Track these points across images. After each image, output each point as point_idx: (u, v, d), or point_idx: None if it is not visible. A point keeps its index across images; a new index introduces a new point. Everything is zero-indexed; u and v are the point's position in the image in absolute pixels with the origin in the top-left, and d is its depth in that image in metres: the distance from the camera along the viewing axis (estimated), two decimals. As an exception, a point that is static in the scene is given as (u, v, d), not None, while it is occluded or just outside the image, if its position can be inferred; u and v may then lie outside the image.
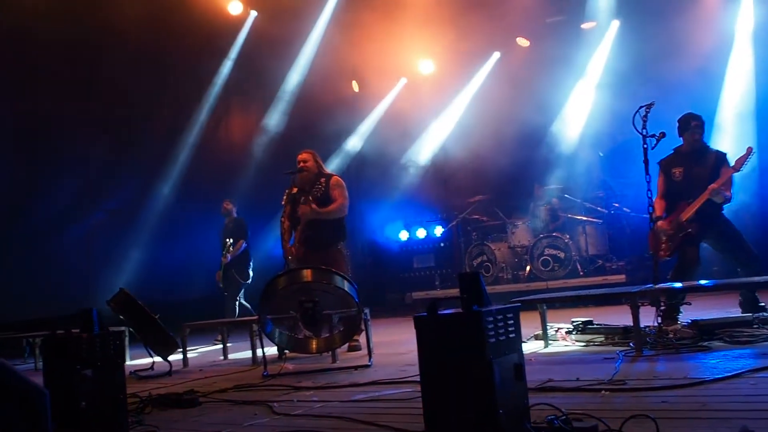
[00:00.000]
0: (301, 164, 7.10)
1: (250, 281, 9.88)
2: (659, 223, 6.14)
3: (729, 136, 10.58)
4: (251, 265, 9.98)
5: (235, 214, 10.18)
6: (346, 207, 7.05)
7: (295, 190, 7.05)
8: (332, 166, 13.61)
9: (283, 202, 7.05)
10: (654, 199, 6.19)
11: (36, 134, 10.80)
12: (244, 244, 9.87)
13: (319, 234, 6.89)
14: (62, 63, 10.32)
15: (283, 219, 7.02)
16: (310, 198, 6.88)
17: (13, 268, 10.22)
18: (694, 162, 6.24)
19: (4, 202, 10.64)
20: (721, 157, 6.24)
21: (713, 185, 5.99)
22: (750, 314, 5.44)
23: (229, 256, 9.73)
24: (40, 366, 7.59)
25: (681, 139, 6.33)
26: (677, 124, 6.30)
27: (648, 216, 5.79)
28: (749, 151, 6.07)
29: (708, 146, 6.40)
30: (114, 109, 11.07)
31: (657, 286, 5.27)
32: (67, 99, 10.68)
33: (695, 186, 6.14)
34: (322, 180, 7.08)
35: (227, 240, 9.83)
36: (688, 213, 6.11)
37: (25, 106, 10.52)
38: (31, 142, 10.79)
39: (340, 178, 7.19)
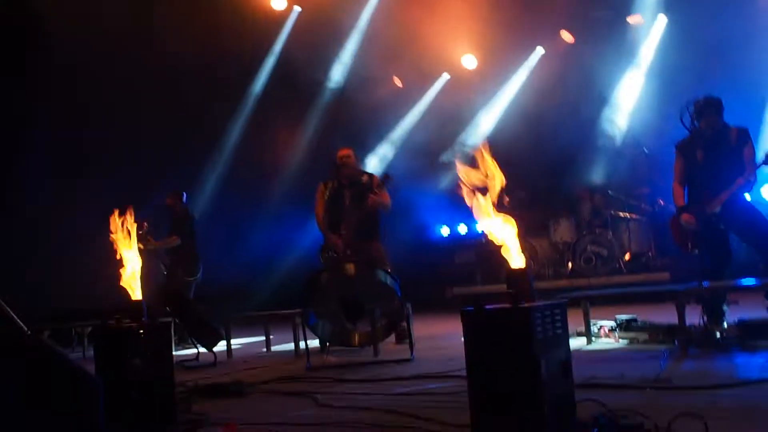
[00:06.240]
0: (344, 159, 7.20)
1: (197, 277, 9.12)
2: (684, 217, 5.81)
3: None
4: (199, 263, 9.16)
5: (181, 207, 9.28)
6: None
7: (332, 183, 7.20)
8: (373, 161, 13.66)
9: (317, 195, 7.21)
10: (673, 184, 6.01)
11: (82, 130, 11.08)
12: (178, 240, 9.00)
13: (366, 226, 7.06)
14: (103, 61, 10.53)
15: (317, 210, 7.23)
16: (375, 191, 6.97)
17: (64, 262, 10.46)
18: (715, 143, 5.80)
19: (57, 195, 10.89)
20: (743, 133, 5.78)
21: (740, 180, 5.59)
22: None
23: (152, 245, 8.63)
24: (88, 355, 7.83)
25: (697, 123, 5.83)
26: (692, 108, 5.81)
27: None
28: None
29: (727, 124, 5.85)
30: (159, 109, 11.23)
31: (703, 285, 5.18)
32: (112, 101, 10.91)
33: (719, 170, 5.74)
34: (366, 176, 7.22)
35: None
36: (715, 206, 5.68)
37: (69, 104, 10.79)
38: (78, 137, 11.08)
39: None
